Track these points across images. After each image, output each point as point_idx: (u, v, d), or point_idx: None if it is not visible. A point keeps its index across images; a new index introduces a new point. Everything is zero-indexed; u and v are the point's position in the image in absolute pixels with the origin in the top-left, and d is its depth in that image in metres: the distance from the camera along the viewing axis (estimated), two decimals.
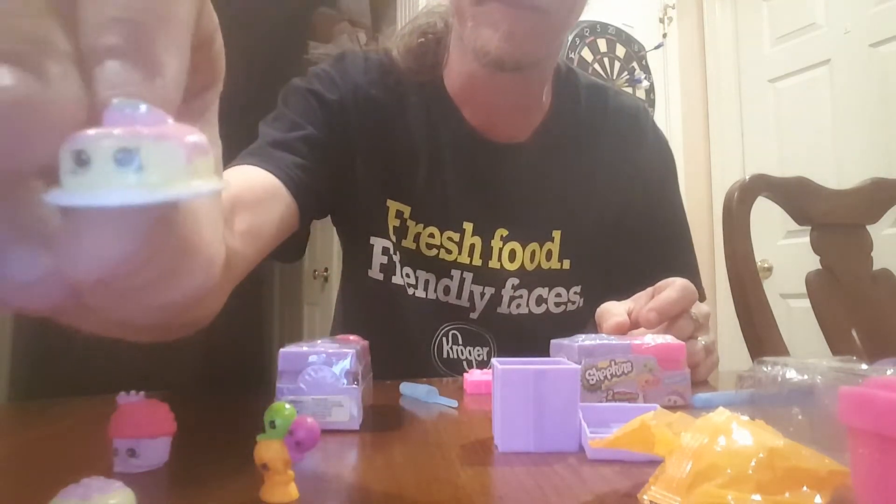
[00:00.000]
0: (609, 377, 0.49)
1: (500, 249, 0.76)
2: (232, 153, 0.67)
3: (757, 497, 0.24)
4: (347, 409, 0.41)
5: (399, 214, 0.75)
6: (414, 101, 0.76)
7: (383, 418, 0.48)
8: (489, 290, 0.76)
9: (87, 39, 0.14)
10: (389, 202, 0.75)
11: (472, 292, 0.76)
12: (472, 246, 0.76)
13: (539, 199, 0.78)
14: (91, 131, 0.13)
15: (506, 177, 0.76)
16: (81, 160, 0.12)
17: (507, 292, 0.77)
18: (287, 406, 0.28)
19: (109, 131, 0.12)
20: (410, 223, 0.75)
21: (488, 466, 0.34)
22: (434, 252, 0.75)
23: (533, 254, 0.77)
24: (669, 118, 2.50)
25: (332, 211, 0.78)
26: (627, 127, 0.83)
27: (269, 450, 0.26)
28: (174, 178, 0.13)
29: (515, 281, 0.77)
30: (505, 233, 0.76)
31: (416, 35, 0.77)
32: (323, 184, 0.69)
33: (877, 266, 1.09)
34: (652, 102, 2.38)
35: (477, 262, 0.76)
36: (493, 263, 0.76)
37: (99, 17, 0.14)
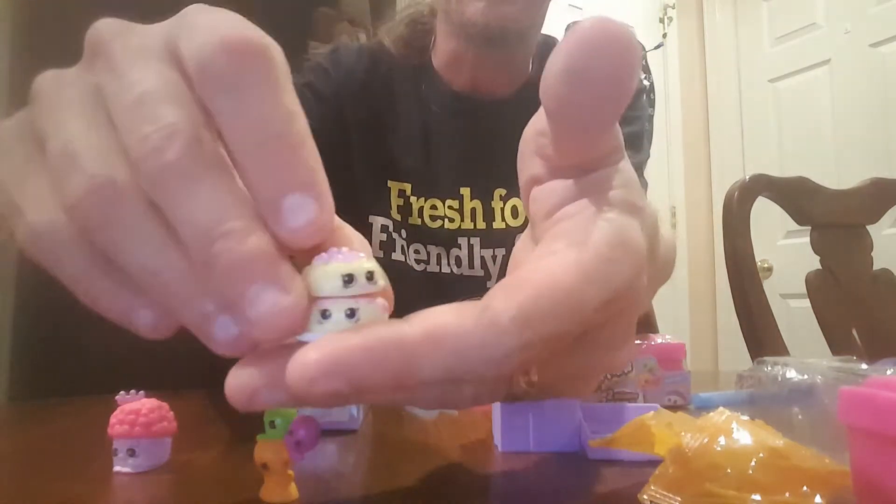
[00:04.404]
0: (609, 377, 0.49)
1: (502, 209, 0.77)
2: None
3: (757, 497, 0.24)
4: (347, 409, 0.41)
5: (401, 193, 0.77)
6: (406, 84, 0.79)
7: (383, 418, 0.48)
8: (500, 252, 0.77)
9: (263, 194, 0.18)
10: (391, 183, 0.77)
11: (483, 258, 0.77)
12: (473, 210, 0.77)
13: None
14: (331, 298, 0.19)
15: (495, 133, 0.77)
16: (325, 315, 0.19)
17: None
18: None
19: (344, 297, 0.19)
20: (413, 199, 0.77)
21: (488, 466, 0.34)
22: (439, 223, 0.77)
23: None
24: (669, 118, 2.50)
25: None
26: None
27: (269, 450, 0.26)
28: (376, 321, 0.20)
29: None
30: (503, 192, 0.77)
31: (404, 24, 0.81)
32: None
33: (877, 266, 1.09)
34: (652, 102, 2.37)
35: (481, 225, 0.77)
36: (498, 224, 0.77)
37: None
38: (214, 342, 0.19)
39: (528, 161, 0.27)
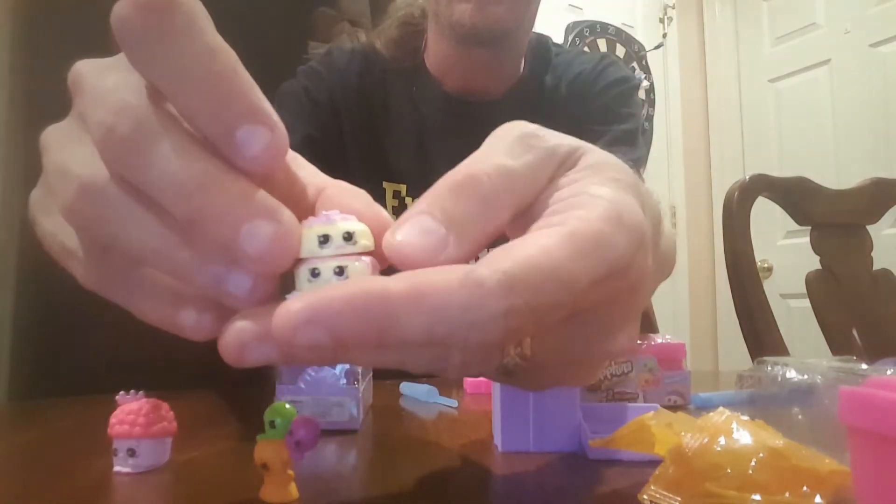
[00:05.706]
0: (609, 377, 0.49)
1: None
2: None
3: (757, 497, 0.24)
4: (347, 409, 0.41)
5: (396, 194, 0.77)
6: (399, 85, 0.79)
7: (383, 418, 0.48)
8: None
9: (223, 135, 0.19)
10: (386, 184, 0.77)
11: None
12: None
13: None
14: (319, 257, 0.20)
15: (487, 134, 0.77)
16: (314, 274, 0.20)
17: None
18: (287, 406, 0.28)
19: (332, 256, 0.20)
20: (408, 200, 0.77)
21: (488, 466, 0.34)
22: None
23: None
24: (669, 118, 2.50)
25: None
26: (580, 93, 0.81)
27: (269, 450, 0.26)
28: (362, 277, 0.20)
29: None
30: None
31: (396, 26, 0.81)
32: None
33: (877, 266, 1.09)
34: (652, 102, 2.38)
35: None
36: None
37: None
38: (233, 299, 0.20)
39: None
